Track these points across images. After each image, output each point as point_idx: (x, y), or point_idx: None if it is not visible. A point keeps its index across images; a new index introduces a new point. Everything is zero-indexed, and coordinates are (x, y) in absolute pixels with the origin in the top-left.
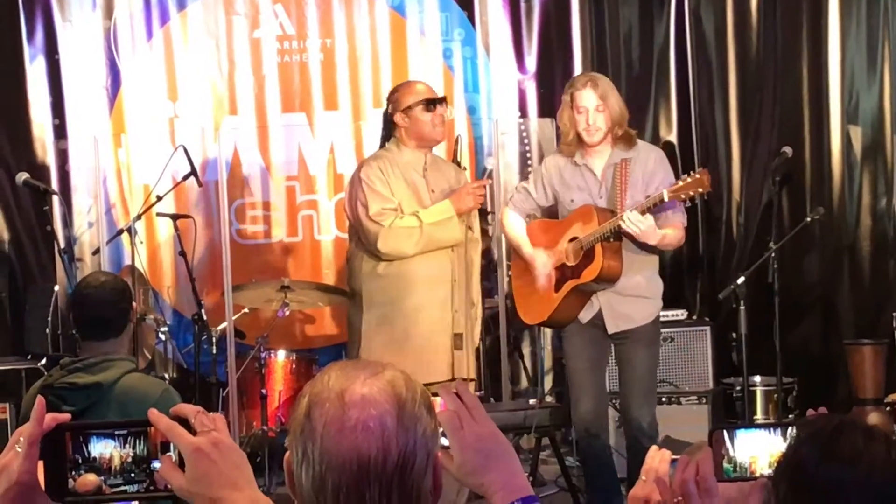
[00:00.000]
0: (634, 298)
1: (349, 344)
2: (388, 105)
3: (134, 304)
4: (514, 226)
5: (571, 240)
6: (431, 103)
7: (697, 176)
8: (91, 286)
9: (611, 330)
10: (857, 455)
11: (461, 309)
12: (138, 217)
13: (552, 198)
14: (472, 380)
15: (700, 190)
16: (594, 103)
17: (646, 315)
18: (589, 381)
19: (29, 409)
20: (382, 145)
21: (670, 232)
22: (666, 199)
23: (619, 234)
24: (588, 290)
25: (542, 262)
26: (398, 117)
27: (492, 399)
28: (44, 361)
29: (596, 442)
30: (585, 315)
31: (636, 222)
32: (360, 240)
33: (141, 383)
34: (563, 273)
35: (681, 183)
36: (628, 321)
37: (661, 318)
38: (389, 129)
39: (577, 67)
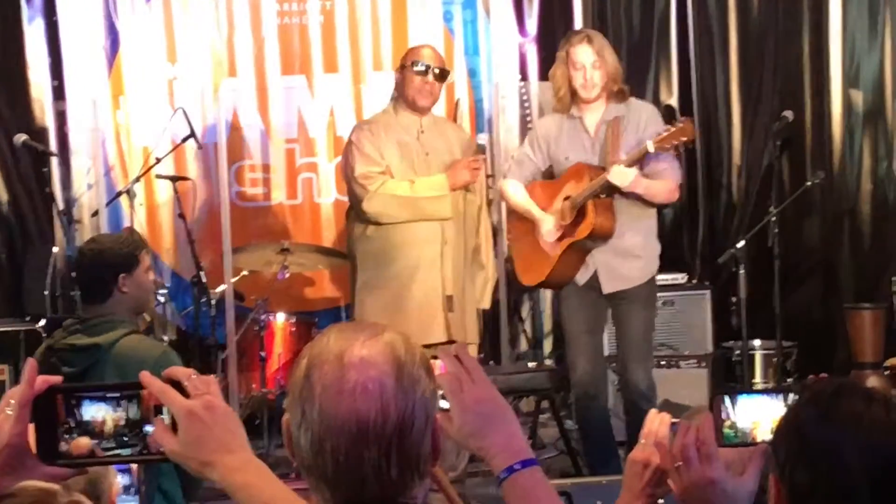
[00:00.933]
0: (630, 258)
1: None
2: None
3: (132, 269)
4: (517, 194)
5: (566, 199)
6: (424, 68)
7: (681, 125)
8: (89, 248)
9: (606, 290)
10: (856, 417)
11: (453, 271)
12: (137, 179)
13: (548, 157)
14: (471, 343)
15: (684, 139)
16: (591, 59)
17: (641, 275)
18: (585, 343)
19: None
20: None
21: (658, 183)
22: (651, 150)
23: (610, 191)
24: (584, 248)
25: (548, 230)
26: (397, 76)
27: (491, 362)
28: (42, 323)
29: (593, 404)
30: (581, 277)
31: (621, 174)
32: (351, 201)
33: (140, 345)
34: (560, 232)
35: (665, 133)
36: (624, 281)
37: (661, 283)
38: (396, 90)
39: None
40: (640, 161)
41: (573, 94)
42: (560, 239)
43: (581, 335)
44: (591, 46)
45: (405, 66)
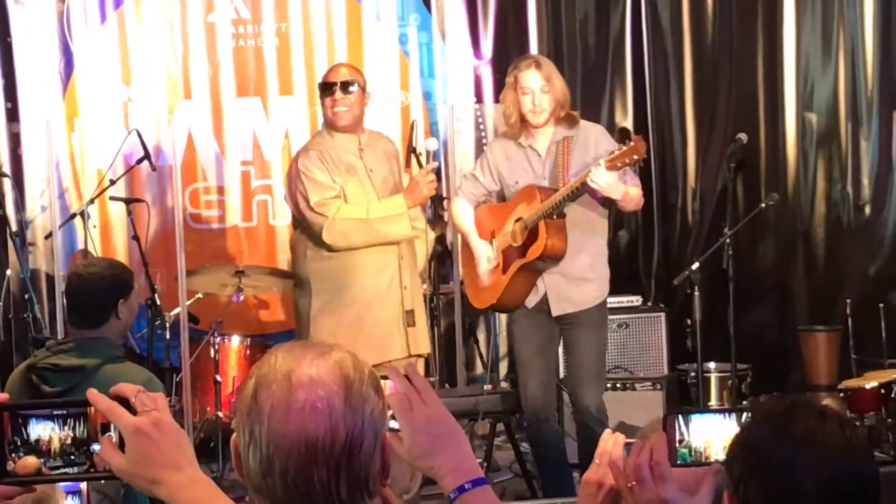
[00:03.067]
0: (580, 281)
1: (297, 329)
2: None
3: (129, 294)
4: (462, 215)
5: (517, 220)
6: (325, 87)
7: (633, 144)
8: (77, 274)
9: (555, 313)
10: (810, 435)
11: (411, 285)
12: (91, 201)
13: (499, 181)
14: (426, 355)
15: (636, 157)
16: (539, 84)
17: (591, 298)
18: (536, 366)
19: (12, 389)
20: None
21: (633, 190)
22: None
23: (561, 212)
24: (535, 270)
25: (487, 257)
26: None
27: (447, 384)
28: None
29: (544, 426)
30: (531, 300)
31: (601, 175)
32: (305, 227)
33: (124, 371)
34: (510, 255)
35: (617, 152)
36: (573, 304)
37: (616, 305)
38: None
39: (534, 53)
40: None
41: (522, 119)
42: (510, 261)
43: (532, 358)
44: (539, 72)
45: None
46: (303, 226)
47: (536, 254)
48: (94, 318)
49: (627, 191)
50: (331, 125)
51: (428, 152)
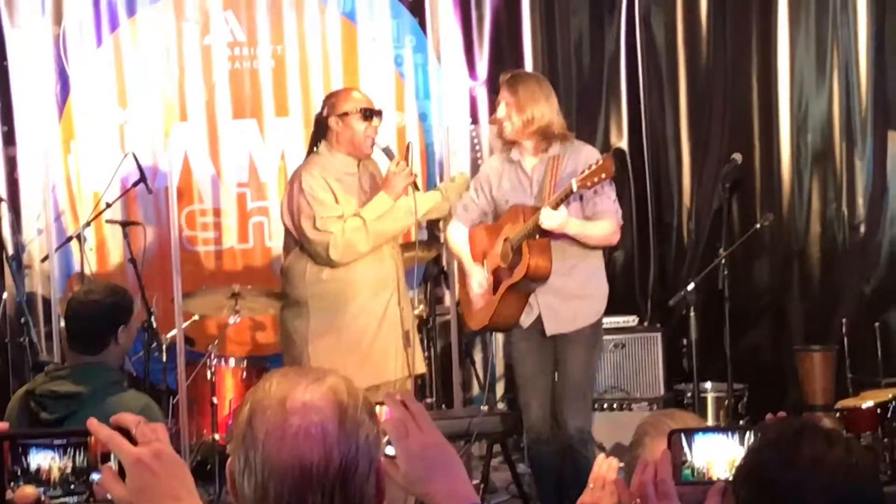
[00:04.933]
0: (573, 300)
1: (286, 352)
2: (323, 108)
3: (129, 320)
4: (456, 237)
5: (505, 240)
6: (369, 114)
7: (601, 162)
8: (77, 300)
9: (548, 332)
10: (818, 460)
11: (407, 305)
12: (87, 224)
13: (492, 200)
14: (420, 375)
15: (604, 175)
16: (511, 100)
17: (585, 317)
18: (535, 386)
19: (11, 415)
20: (311, 149)
21: (592, 225)
22: (574, 188)
23: (544, 232)
24: (524, 290)
25: (478, 282)
26: (333, 121)
27: (443, 406)
28: None
29: (546, 447)
30: (526, 320)
31: (549, 216)
32: (304, 247)
33: (123, 396)
34: (500, 275)
35: (587, 171)
36: (566, 324)
37: (613, 325)
38: (321, 133)
39: (521, 71)
40: (567, 200)
41: None
42: (499, 282)
43: (532, 378)
44: (508, 87)
45: (346, 113)
46: (300, 245)
47: (520, 275)
48: (94, 344)
49: (583, 227)
50: (350, 148)
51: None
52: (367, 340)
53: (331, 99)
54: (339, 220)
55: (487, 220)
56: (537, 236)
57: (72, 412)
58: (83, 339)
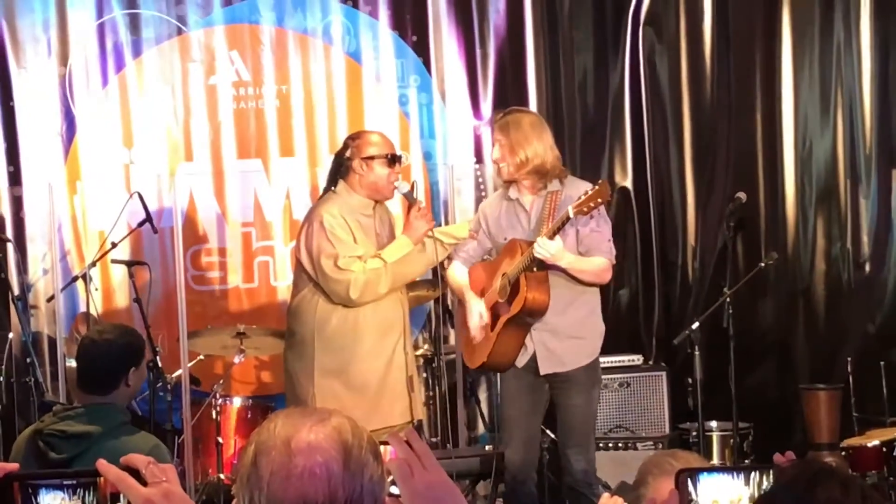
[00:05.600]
0: (569, 339)
1: (289, 392)
2: (346, 148)
3: (140, 362)
4: (456, 275)
5: (503, 275)
6: (392, 159)
7: (597, 188)
8: (90, 340)
9: (542, 371)
10: None
11: (410, 351)
12: (93, 264)
13: (491, 239)
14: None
15: (600, 200)
16: (502, 140)
17: (581, 356)
18: (519, 428)
19: (18, 455)
20: (329, 187)
21: (585, 260)
22: (571, 215)
23: (542, 264)
24: (522, 324)
25: (479, 312)
26: (356, 163)
27: (448, 445)
28: None
29: (521, 489)
30: (521, 359)
31: (544, 246)
32: (317, 286)
33: (131, 437)
34: (498, 310)
35: (583, 197)
36: (561, 363)
37: (617, 364)
38: (341, 173)
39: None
40: (563, 229)
41: None
42: (497, 318)
43: (516, 419)
44: (503, 129)
45: (372, 157)
46: (312, 284)
47: (518, 308)
48: (105, 385)
49: (576, 261)
50: (378, 193)
51: (406, 194)
52: (375, 383)
53: (355, 141)
54: (360, 260)
55: (487, 257)
56: (535, 269)
57: (81, 452)
58: (94, 379)
